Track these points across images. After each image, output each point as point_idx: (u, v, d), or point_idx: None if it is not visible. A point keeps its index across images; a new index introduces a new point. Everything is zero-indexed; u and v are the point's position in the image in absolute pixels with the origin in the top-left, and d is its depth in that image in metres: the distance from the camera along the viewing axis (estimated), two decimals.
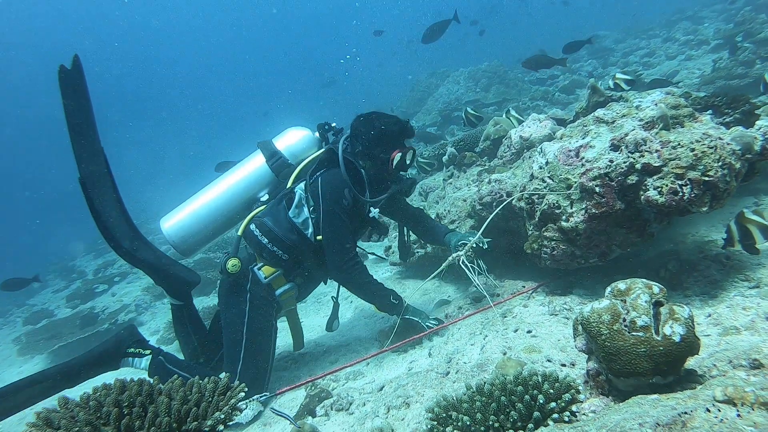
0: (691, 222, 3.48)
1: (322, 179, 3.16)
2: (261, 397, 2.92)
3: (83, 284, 10.35)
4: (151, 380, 2.04)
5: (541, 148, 3.21)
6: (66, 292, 10.46)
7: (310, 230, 3.20)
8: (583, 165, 2.84)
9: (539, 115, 4.18)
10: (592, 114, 3.17)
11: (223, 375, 2.14)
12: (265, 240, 3.18)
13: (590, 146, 2.89)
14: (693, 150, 2.53)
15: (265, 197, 3.40)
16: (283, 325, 4.86)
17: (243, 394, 2.19)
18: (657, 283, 1.78)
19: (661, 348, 1.61)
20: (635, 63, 11.89)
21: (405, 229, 3.80)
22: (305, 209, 3.20)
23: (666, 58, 11.41)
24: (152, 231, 11.56)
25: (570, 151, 2.97)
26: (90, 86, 2.93)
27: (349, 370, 3.22)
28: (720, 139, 2.57)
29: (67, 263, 13.60)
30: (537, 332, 2.71)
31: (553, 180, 2.97)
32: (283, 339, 4.43)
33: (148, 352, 3.18)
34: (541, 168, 3.10)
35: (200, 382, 2.16)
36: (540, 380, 1.88)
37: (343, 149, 3.20)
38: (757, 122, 2.93)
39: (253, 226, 3.24)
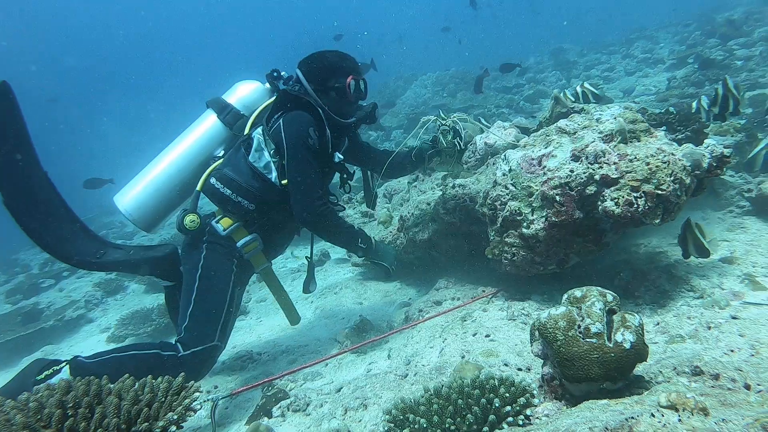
0: (644, 233, 3.62)
1: (283, 120, 3.03)
2: (216, 397, 2.86)
3: (27, 279, 9.82)
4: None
5: (504, 156, 3.28)
6: (6, 286, 9.89)
7: (274, 174, 3.03)
8: (545, 174, 2.91)
9: (504, 122, 4.26)
10: (555, 124, 3.26)
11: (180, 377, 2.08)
12: (229, 191, 3.03)
13: (552, 156, 2.96)
14: (648, 164, 2.63)
15: (222, 153, 3.25)
16: (246, 324, 4.79)
17: (198, 394, 2.14)
18: (611, 292, 1.85)
19: (613, 354, 1.67)
20: (597, 76, 12.27)
21: (370, 175, 3.70)
22: (266, 153, 3.04)
23: (625, 73, 11.84)
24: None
25: (533, 159, 3.04)
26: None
27: (307, 370, 3.19)
28: (672, 154, 2.68)
29: (8, 256, 12.89)
30: (495, 336, 2.76)
31: (515, 187, 3.03)
32: (242, 338, 4.37)
33: (63, 364, 2.78)
34: (504, 175, 3.16)
35: (153, 381, 2.10)
36: (496, 384, 1.92)
37: (299, 89, 3.10)
38: (706, 140, 3.08)
39: (213, 180, 3.08)
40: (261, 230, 3.19)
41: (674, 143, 2.92)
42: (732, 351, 1.99)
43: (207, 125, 3.26)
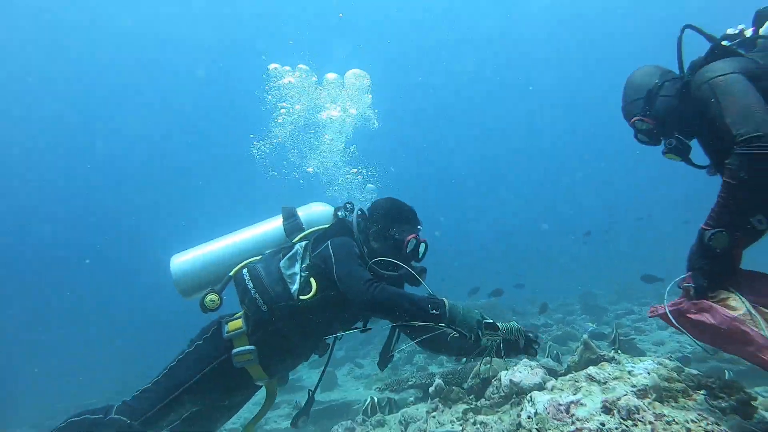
0: None
1: (332, 243, 3.06)
2: None
3: None
4: None
5: (530, 397, 3.10)
6: None
7: (295, 286, 2.99)
8: (573, 423, 2.70)
9: (531, 361, 4.13)
10: (584, 371, 3.14)
11: None
12: (251, 285, 3.01)
13: (581, 404, 2.79)
14: (689, 430, 2.42)
15: None
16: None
17: None
18: None
19: None
20: (627, 326, 12.11)
21: (396, 334, 3.26)
22: (297, 264, 3.08)
23: (657, 327, 11.66)
24: None
25: (560, 405, 2.86)
26: None
27: None
28: (717, 425, 2.47)
29: None
30: None
31: None
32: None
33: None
34: (529, 418, 2.95)
35: None
36: None
37: (357, 224, 3.24)
38: (756, 415, 2.84)
39: (245, 271, 3.11)
40: (267, 339, 3.06)
41: (717, 411, 2.72)
42: None
43: (271, 225, 3.42)
